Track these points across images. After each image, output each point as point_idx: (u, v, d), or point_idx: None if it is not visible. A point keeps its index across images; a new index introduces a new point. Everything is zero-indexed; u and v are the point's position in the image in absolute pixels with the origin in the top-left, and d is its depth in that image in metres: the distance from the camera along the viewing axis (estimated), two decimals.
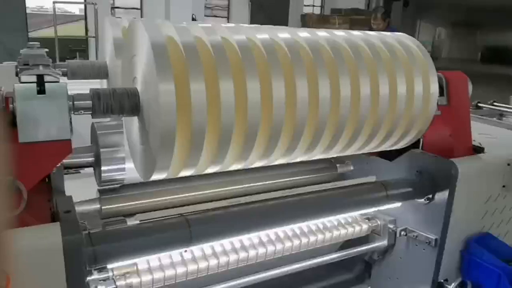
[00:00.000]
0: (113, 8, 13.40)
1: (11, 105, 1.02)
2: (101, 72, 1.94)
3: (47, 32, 12.19)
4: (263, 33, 1.30)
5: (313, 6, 16.69)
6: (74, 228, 0.95)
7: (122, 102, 1.09)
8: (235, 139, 1.14)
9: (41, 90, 0.98)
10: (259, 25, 2.00)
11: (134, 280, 1.34)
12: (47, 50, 1.79)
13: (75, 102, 1.06)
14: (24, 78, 0.99)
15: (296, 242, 1.67)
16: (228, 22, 14.94)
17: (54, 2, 10.64)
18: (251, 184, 1.64)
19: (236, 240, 1.54)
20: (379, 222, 1.88)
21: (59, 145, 1.01)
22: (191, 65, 1.05)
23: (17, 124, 0.99)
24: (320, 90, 1.24)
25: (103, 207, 1.45)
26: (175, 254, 1.42)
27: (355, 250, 1.90)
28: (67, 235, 0.93)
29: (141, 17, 13.53)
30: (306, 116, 1.23)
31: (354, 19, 13.82)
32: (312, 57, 1.26)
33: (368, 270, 2.09)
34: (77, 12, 12.26)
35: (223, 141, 1.12)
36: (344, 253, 1.88)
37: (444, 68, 1.82)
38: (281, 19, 15.07)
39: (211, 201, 1.43)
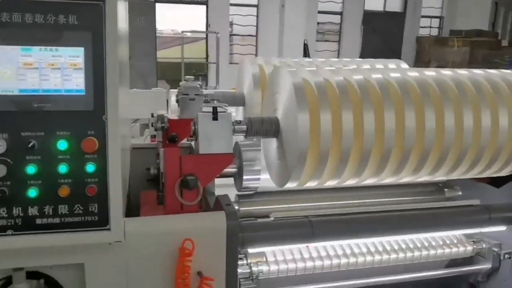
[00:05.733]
0: (231, 35, 14.55)
1: (193, 127, 1.46)
2: (239, 101, 2.38)
3: (167, 53, 13.29)
4: (378, 73, 1.59)
5: (430, 27, 16.10)
6: (234, 217, 1.34)
7: (268, 128, 1.47)
8: (352, 159, 1.44)
9: (215, 118, 1.40)
10: (374, 62, 2.29)
11: (264, 268, 1.70)
12: (200, 83, 2.27)
13: (235, 126, 1.46)
14: (204, 108, 1.42)
15: (402, 255, 1.88)
16: (339, 46, 15.16)
17: (182, 32, 12.02)
18: (364, 200, 1.91)
19: (347, 247, 1.82)
20: (484, 245, 2.00)
21: (225, 156, 1.43)
22: (321, 100, 1.38)
23: (199, 140, 1.42)
24: (426, 122, 1.49)
25: (240, 209, 1.84)
26: (296, 252, 1.75)
27: (459, 269, 2.04)
28: (230, 220, 1.32)
29: (257, 43, 14.48)
30: (413, 143, 1.49)
31: (476, 42, 12.99)
32: (419, 94, 1.52)
33: None
34: (189, 34, 13.13)
35: (343, 160, 1.43)
36: (448, 271, 2.03)
37: None
38: (395, 42, 14.91)
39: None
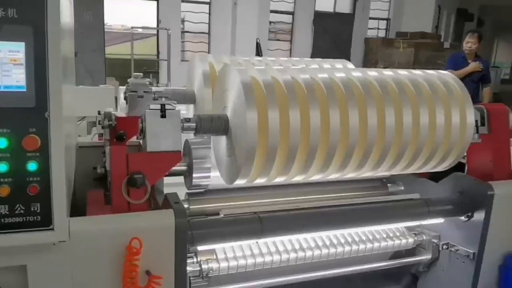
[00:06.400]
0: (183, 32, 14.36)
1: (140, 125, 1.44)
2: (190, 98, 2.37)
3: (116, 49, 12.92)
4: (324, 73, 1.65)
5: (378, 29, 16.68)
6: (183, 215, 1.34)
7: (218, 125, 1.48)
8: (299, 155, 1.48)
9: (163, 115, 1.39)
10: (322, 62, 2.35)
11: (214, 265, 1.70)
12: (150, 81, 2.24)
13: (184, 124, 1.46)
14: (152, 106, 1.41)
15: (348, 248, 1.95)
16: (291, 45, 15.37)
17: (132, 27, 11.73)
18: (312, 196, 1.97)
19: (296, 242, 1.86)
20: (424, 237, 2.11)
21: (174, 154, 1.42)
22: (269, 98, 1.41)
23: (146, 138, 1.40)
24: (368, 120, 1.55)
25: (190, 207, 1.83)
26: (246, 248, 1.78)
27: (402, 261, 2.14)
28: (178, 218, 1.32)
29: (209, 40, 14.40)
30: (356, 140, 1.55)
31: (420, 43, 13.57)
32: (362, 93, 1.58)
33: (414, 282, 2.31)
34: (140, 30, 12.74)
35: (290, 157, 1.46)
36: (392, 262, 2.13)
37: None
38: (344, 43, 15.31)
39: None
